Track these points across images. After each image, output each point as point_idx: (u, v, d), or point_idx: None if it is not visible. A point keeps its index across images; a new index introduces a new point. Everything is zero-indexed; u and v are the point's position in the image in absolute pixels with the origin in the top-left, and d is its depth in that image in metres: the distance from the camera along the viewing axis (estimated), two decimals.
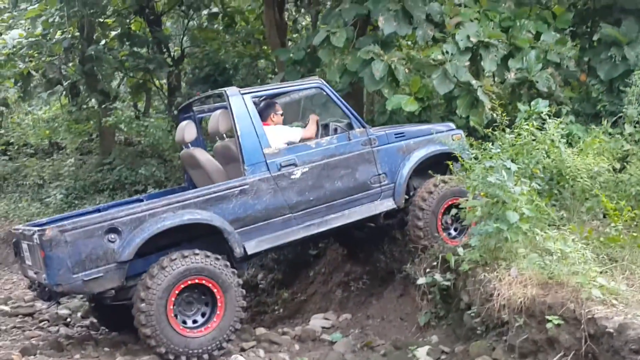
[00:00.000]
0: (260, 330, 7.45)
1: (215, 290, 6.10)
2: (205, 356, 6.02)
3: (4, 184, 14.44)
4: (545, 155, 6.08)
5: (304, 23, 15.81)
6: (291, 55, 10.52)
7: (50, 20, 13.08)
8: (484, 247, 5.67)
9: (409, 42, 10.97)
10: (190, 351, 5.93)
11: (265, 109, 7.24)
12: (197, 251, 6.06)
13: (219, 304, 6.12)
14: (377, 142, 7.19)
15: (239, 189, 6.43)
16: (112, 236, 5.86)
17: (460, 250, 5.96)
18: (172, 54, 15.63)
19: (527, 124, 6.28)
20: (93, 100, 14.34)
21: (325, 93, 7.22)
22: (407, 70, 8.90)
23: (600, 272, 4.88)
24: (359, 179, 7.05)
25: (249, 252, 6.50)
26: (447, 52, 8.63)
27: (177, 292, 5.92)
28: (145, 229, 5.95)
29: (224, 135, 6.97)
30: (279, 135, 6.95)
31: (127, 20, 14.79)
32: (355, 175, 7.03)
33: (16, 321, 7.49)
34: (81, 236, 5.76)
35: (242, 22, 15.55)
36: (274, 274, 9.36)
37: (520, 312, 4.94)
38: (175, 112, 14.58)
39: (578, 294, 4.58)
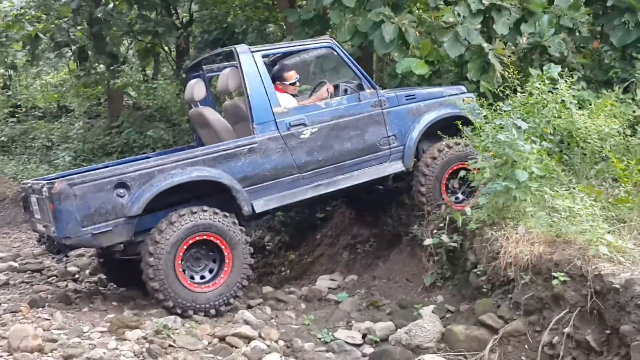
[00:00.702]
0: (267, 289, 7.51)
1: (223, 247, 6.12)
2: (212, 311, 6.07)
3: (12, 145, 14.47)
4: (556, 116, 6.03)
5: None
6: (300, 16, 10.46)
7: None
8: (492, 207, 5.66)
9: (420, 6, 10.87)
10: (198, 306, 5.98)
11: (277, 73, 7.17)
12: (205, 208, 6.07)
13: (227, 261, 6.14)
14: (387, 104, 7.14)
15: (248, 147, 6.41)
16: (121, 191, 5.88)
17: (467, 210, 5.95)
18: (180, 17, 15.54)
19: (539, 84, 6.19)
20: (101, 65, 14.29)
21: (336, 53, 7.15)
22: (417, 33, 8.80)
23: (609, 231, 4.87)
24: (368, 141, 7.01)
25: (257, 211, 6.48)
26: (458, 15, 8.54)
27: (185, 247, 5.95)
28: (154, 185, 5.97)
29: (233, 93, 6.93)
30: (285, 100, 6.90)
31: None
32: (365, 137, 7.00)
33: (25, 277, 7.58)
34: (90, 190, 5.78)
35: None
36: (281, 236, 9.39)
37: (527, 269, 4.95)
38: (184, 75, 14.57)
39: (585, 251, 4.58)
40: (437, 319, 5.64)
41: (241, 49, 6.67)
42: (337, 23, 9.17)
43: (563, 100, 6.07)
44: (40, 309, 6.01)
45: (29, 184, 6.51)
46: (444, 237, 6.54)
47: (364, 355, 5.82)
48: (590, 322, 4.47)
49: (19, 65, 17.15)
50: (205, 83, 7.40)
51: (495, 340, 5.00)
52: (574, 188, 5.49)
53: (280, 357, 5.44)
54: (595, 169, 6.04)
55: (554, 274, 4.66)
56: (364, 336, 6.11)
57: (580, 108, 7.07)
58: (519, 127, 5.35)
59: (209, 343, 5.55)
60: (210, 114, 7.11)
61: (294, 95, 7.17)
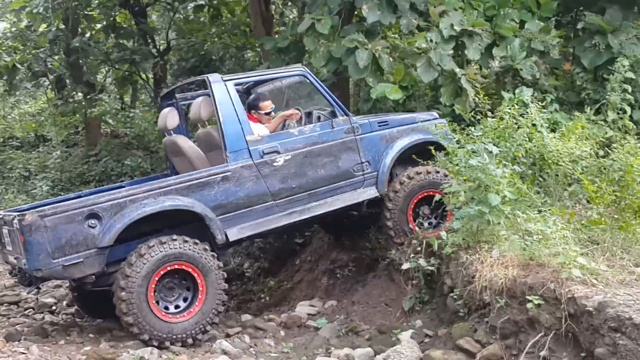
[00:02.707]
0: (246, 317, 7.48)
1: (195, 275, 6.09)
2: (190, 340, 6.02)
3: None
4: (528, 139, 6.10)
5: (291, 16, 15.81)
6: (276, 43, 10.54)
7: (35, 11, 12.98)
8: (466, 231, 5.70)
9: (394, 31, 11.00)
10: (174, 336, 5.94)
11: (252, 103, 7.25)
12: (175, 237, 6.03)
13: (200, 288, 6.12)
14: (360, 130, 7.18)
15: (221, 175, 6.41)
16: (93, 222, 5.86)
17: (443, 234, 5.98)
18: (157, 46, 15.60)
19: (510, 109, 6.28)
20: (79, 93, 14.28)
21: (308, 81, 7.19)
22: (391, 59, 8.92)
23: (582, 254, 4.91)
24: (341, 167, 7.05)
25: (231, 239, 6.47)
26: (431, 41, 8.66)
27: (157, 278, 5.91)
28: (126, 215, 5.94)
29: (206, 122, 6.93)
30: (259, 129, 6.93)
31: (113, 13, 14.74)
32: (338, 163, 7.03)
33: (1, 309, 7.47)
34: (61, 221, 5.75)
35: (228, 14, 15.53)
36: (260, 263, 9.37)
37: (502, 293, 4.96)
38: (159, 104, 14.61)
39: (558, 274, 4.61)
40: (415, 345, 5.64)
41: (213, 77, 6.71)
42: (312, 49, 9.26)
43: (534, 124, 6.13)
44: (17, 342, 5.93)
45: (1, 216, 6.44)
46: (422, 261, 6.56)
47: None
48: (565, 345, 4.49)
49: None
50: (178, 111, 7.41)
51: None
52: (548, 210, 5.54)
53: None
54: (569, 190, 6.10)
55: (528, 297, 4.68)
56: None
57: (553, 130, 7.18)
58: (491, 152, 5.41)
59: None
60: (184, 142, 7.10)
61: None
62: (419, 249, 6.80)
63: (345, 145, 7.07)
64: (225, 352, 5.98)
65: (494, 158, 5.43)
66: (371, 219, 7.78)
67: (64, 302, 7.81)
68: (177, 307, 6.14)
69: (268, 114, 7.23)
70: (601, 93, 8.53)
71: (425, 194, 7.09)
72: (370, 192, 7.16)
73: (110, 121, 14.75)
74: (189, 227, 6.33)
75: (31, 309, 7.50)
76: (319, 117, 7.29)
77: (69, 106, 14.56)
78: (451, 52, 8.72)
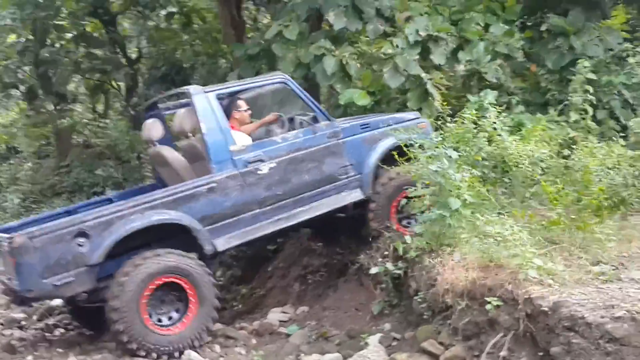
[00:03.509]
0: (217, 326, 7.44)
1: (187, 289, 6.11)
2: (176, 354, 6.01)
3: None
4: (488, 143, 6.19)
5: (264, 22, 15.84)
6: (246, 50, 10.58)
7: (2, 23, 12.89)
8: (429, 234, 5.77)
9: (363, 37, 11.09)
10: (162, 348, 5.94)
11: (228, 107, 7.24)
12: (169, 250, 6.09)
13: (192, 301, 6.14)
14: (343, 134, 7.20)
15: (207, 187, 6.43)
16: (81, 240, 5.86)
17: (408, 238, 6.04)
18: (128, 54, 15.56)
19: (469, 113, 6.37)
20: (50, 104, 14.20)
21: (289, 87, 7.21)
22: (358, 65, 9.01)
23: (540, 255, 5.00)
24: (326, 172, 7.07)
25: (219, 249, 6.51)
26: (397, 46, 8.75)
27: (149, 291, 5.93)
28: (114, 232, 5.95)
29: (190, 134, 6.96)
30: (239, 138, 6.94)
31: (82, 22, 14.67)
32: (322, 168, 7.05)
33: None
34: (50, 242, 5.76)
35: (200, 21, 15.53)
36: (233, 271, 9.39)
37: (463, 295, 5.03)
38: (132, 112, 14.57)
39: (516, 275, 4.68)
40: (381, 349, 5.69)
41: (195, 90, 6.73)
42: (281, 56, 9.32)
43: (494, 128, 6.23)
44: None
45: None
46: (389, 265, 6.60)
47: None
48: (524, 345, 4.55)
49: None
50: (162, 122, 7.39)
51: None
52: (508, 213, 5.62)
53: None
54: (530, 192, 6.18)
55: (487, 299, 4.75)
56: None
57: (518, 132, 7.28)
58: (450, 157, 5.49)
59: None
60: (169, 153, 7.13)
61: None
62: (386, 253, 6.87)
63: (329, 149, 7.09)
64: None
65: (454, 163, 5.50)
66: (360, 220, 7.74)
67: (34, 317, 7.75)
68: (170, 318, 6.16)
69: (246, 110, 7.29)
70: (565, 94, 8.67)
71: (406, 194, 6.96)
72: (355, 195, 7.19)
73: (86, 131, 14.66)
74: (177, 239, 6.34)
75: (0, 325, 7.44)
76: (301, 123, 7.31)
77: (40, 117, 14.47)
78: (417, 57, 8.83)
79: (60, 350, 6.41)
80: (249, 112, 7.43)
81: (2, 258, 6.13)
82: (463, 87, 9.29)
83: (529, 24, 10.32)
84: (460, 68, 9.22)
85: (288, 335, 7.22)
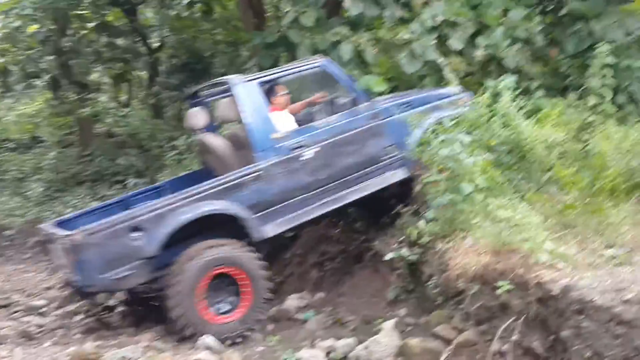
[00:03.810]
0: None
1: (241, 279, 6.33)
2: (228, 341, 6.22)
3: None
4: (502, 127, 6.13)
5: (286, 9, 15.78)
6: (264, 38, 10.58)
7: (24, 12, 13.04)
8: (442, 219, 5.75)
9: (380, 23, 11.03)
10: (217, 337, 6.12)
11: (269, 92, 7.30)
12: (224, 242, 6.32)
13: (246, 292, 6.37)
14: (384, 115, 7.18)
15: (253, 175, 6.56)
16: (136, 234, 6.08)
17: (421, 223, 6.03)
18: (149, 43, 15.65)
19: (484, 98, 6.32)
20: (73, 94, 14.36)
21: (329, 71, 7.25)
22: (375, 51, 8.97)
23: (554, 239, 4.96)
24: (369, 153, 7.07)
25: (268, 235, 6.67)
26: (414, 32, 8.70)
27: (205, 281, 6.15)
28: (167, 225, 6.15)
29: (232, 122, 7.19)
30: (284, 120, 7.05)
31: (103, 12, 14.79)
32: (365, 150, 7.06)
33: None
34: (107, 237, 5.99)
35: (220, 9, 15.56)
36: None
37: (475, 280, 5.03)
38: (152, 101, 14.68)
39: (527, 259, 4.66)
40: (395, 334, 5.67)
41: (236, 79, 6.84)
42: (297, 42, 9.31)
43: (508, 112, 6.17)
44: (1, 345, 6.01)
45: (49, 232, 6.66)
46: (404, 251, 6.60)
47: None
48: (535, 329, 4.54)
49: None
50: (206, 109, 7.52)
51: (449, 352, 5.05)
52: (522, 197, 5.59)
53: None
54: (546, 176, 6.12)
55: (498, 283, 4.73)
56: (328, 354, 6.14)
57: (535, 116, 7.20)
58: (462, 141, 5.46)
59: None
60: (214, 140, 7.28)
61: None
62: (401, 239, 6.87)
63: (371, 131, 7.08)
64: (209, 348, 6.03)
65: (466, 147, 5.47)
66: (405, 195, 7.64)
67: (54, 304, 7.88)
68: (225, 307, 6.37)
69: (285, 95, 7.32)
70: (585, 79, 8.53)
71: None
72: (400, 174, 7.16)
73: (105, 120, 14.80)
74: (229, 226, 6.53)
75: (21, 312, 7.56)
76: (342, 106, 7.30)
77: (63, 107, 14.63)
78: (434, 42, 8.76)
79: (78, 336, 6.51)
80: (289, 96, 7.47)
81: (61, 254, 6.32)
82: (481, 72, 9.17)
83: (549, 8, 10.17)
84: (479, 53, 9.10)
85: (305, 321, 7.26)
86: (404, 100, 7.45)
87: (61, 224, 6.90)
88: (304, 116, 7.54)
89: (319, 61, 7.29)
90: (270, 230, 6.64)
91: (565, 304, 4.15)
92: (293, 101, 7.58)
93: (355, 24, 9.40)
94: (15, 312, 7.59)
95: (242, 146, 6.92)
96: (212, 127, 7.63)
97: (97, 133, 15.14)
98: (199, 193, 6.36)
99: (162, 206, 6.23)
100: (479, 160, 5.49)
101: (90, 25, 14.88)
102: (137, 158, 12.71)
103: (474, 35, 8.96)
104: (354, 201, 7.11)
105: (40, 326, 6.75)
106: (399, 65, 8.71)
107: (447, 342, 5.17)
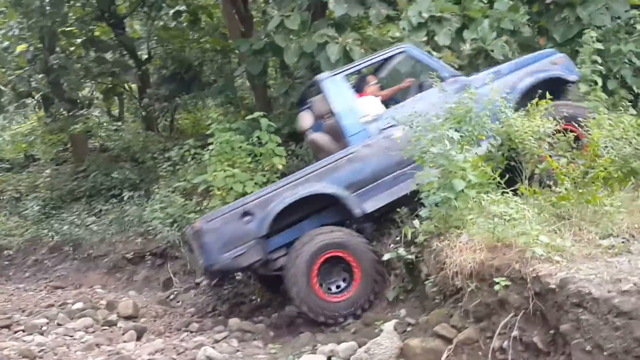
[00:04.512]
0: (234, 321, 7.51)
1: (351, 262, 6.85)
2: (341, 319, 6.79)
3: None
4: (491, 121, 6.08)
5: (273, 14, 15.73)
6: (251, 45, 10.56)
7: (10, 33, 13.01)
8: (437, 217, 5.71)
9: (367, 23, 10.98)
10: (330, 314, 6.79)
11: (359, 85, 7.92)
12: (335, 228, 6.97)
13: (356, 274, 6.85)
14: (472, 87, 6.96)
15: (347, 157, 7.15)
16: (247, 218, 6.96)
17: (416, 222, 5.98)
18: (139, 55, 15.61)
19: (471, 92, 6.27)
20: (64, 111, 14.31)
21: (413, 55, 7.61)
22: (363, 50, 8.93)
23: (549, 231, 4.92)
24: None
25: (368, 211, 7.11)
26: (403, 29, 8.66)
27: (319, 263, 6.78)
28: (273, 208, 6.95)
29: (327, 115, 7.67)
30: (371, 104, 7.49)
31: (90, 27, 14.77)
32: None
33: None
34: (222, 223, 6.94)
35: (207, 18, 15.52)
36: None
37: (472, 277, 4.97)
38: (143, 113, 14.64)
39: (523, 253, 4.61)
40: (395, 335, 5.63)
41: (322, 76, 7.56)
42: (284, 46, 9.27)
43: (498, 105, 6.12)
44: None
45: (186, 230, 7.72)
46: (401, 251, 6.57)
47: None
48: (535, 324, 4.48)
49: None
50: (311, 111, 8.05)
51: (449, 351, 5.01)
52: (514, 190, 5.54)
53: None
54: (539, 168, 6.06)
55: (495, 279, 4.69)
56: (329, 358, 6.10)
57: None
58: (452, 138, 5.41)
59: None
60: (320, 138, 7.91)
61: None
62: (397, 238, 6.84)
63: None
64: (209, 359, 6.01)
65: (456, 143, 5.43)
66: None
67: (56, 322, 7.83)
68: (337, 287, 6.98)
69: (375, 84, 7.86)
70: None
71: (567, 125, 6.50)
72: (494, 143, 6.74)
73: (102, 134, 14.74)
74: (335, 208, 7.21)
75: (21, 331, 7.51)
76: (429, 85, 7.35)
77: (56, 124, 14.58)
78: (425, 38, 8.72)
79: (79, 352, 6.47)
80: (379, 84, 7.96)
81: (193, 243, 7.25)
82: (470, 66, 9.13)
83: None
84: (466, 47, 9.05)
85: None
86: (494, 69, 7.52)
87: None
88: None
89: (402, 47, 7.69)
90: (369, 206, 7.10)
91: (564, 298, 4.10)
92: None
93: (341, 25, 9.37)
94: (16, 331, 7.52)
95: (339, 135, 7.47)
96: (318, 125, 8.06)
97: (91, 148, 15.09)
98: (299, 178, 7.10)
99: (267, 193, 7.05)
100: (470, 156, 5.44)
101: (78, 41, 14.84)
102: (132, 171, 12.66)
103: (460, 30, 8.92)
104: None
105: (41, 344, 6.69)
106: None
107: (448, 341, 5.10)
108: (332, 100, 7.37)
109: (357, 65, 7.77)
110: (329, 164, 7.14)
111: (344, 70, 7.62)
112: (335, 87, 7.40)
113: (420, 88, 7.65)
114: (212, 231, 6.90)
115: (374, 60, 7.85)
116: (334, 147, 7.63)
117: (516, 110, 6.63)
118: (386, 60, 8.07)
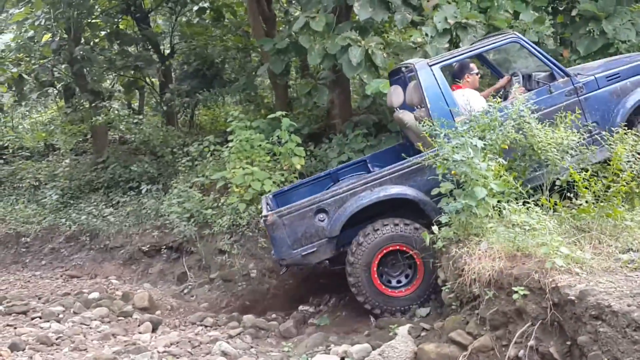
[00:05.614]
0: (249, 317, 7.58)
1: (414, 256, 6.66)
2: (399, 314, 6.70)
3: (0, 187, 14.50)
4: (515, 131, 6.10)
5: (296, 14, 15.81)
6: (275, 45, 10.62)
7: (37, 22, 13.14)
8: (457, 224, 5.74)
9: (391, 27, 11.02)
10: (392, 308, 6.72)
11: (459, 71, 7.47)
12: (396, 221, 6.69)
13: (418, 269, 6.70)
14: (585, 90, 6.81)
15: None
16: (321, 216, 6.82)
17: (435, 228, 6.02)
18: (162, 50, 15.74)
19: (496, 101, 6.29)
20: (85, 102, 14.43)
21: (521, 45, 7.10)
22: (385, 55, 8.97)
23: (569, 243, 4.95)
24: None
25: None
26: (426, 35, 8.69)
27: (379, 256, 6.68)
28: (347, 208, 6.74)
29: (419, 105, 7.24)
30: (469, 99, 7.01)
31: (115, 20, 14.90)
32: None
33: (9, 319, 7.57)
34: (296, 218, 6.80)
35: (230, 15, 15.61)
36: (265, 262, 9.44)
37: (490, 285, 5.01)
38: (164, 107, 14.75)
39: (543, 264, 4.64)
40: (410, 339, 5.67)
41: (419, 64, 6.99)
42: (308, 47, 9.33)
43: (521, 115, 6.14)
44: (21, 352, 6.06)
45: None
46: None
47: None
48: (552, 334, 4.52)
49: (6, 107, 17.28)
50: (403, 88, 7.64)
51: (464, 357, 5.04)
52: (536, 201, 5.56)
53: None
54: (561, 179, 6.08)
55: (514, 288, 4.72)
56: (342, 359, 6.15)
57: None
58: (475, 146, 5.44)
59: None
60: (408, 117, 7.51)
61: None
62: None
63: (568, 108, 6.54)
64: (225, 354, 6.08)
65: (479, 152, 5.46)
66: None
67: (72, 310, 7.92)
68: (398, 282, 6.86)
69: (476, 74, 7.45)
70: None
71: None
72: (600, 156, 6.40)
73: (122, 127, 14.86)
74: (409, 208, 6.82)
75: (38, 318, 7.61)
76: (537, 82, 7.13)
77: (77, 114, 14.70)
78: (447, 45, 8.75)
79: (95, 342, 6.55)
80: (480, 74, 7.61)
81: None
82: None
83: (561, 8, 10.14)
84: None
85: (319, 326, 7.29)
86: (612, 72, 6.95)
87: (277, 196, 8.12)
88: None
89: (511, 35, 7.07)
90: None
91: (582, 309, 4.13)
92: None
93: (365, 28, 9.41)
94: (33, 318, 7.62)
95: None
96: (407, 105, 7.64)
97: (111, 140, 15.19)
98: (378, 179, 6.77)
99: (344, 191, 6.80)
100: (492, 165, 5.47)
101: (103, 33, 14.97)
102: (150, 164, 12.71)
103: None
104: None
105: (59, 332, 6.77)
106: None
107: (463, 347, 5.14)
108: (426, 92, 6.81)
109: (459, 54, 7.11)
110: (411, 166, 6.71)
111: (443, 60, 7.00)
112: (431, 79, 6.82)
113: (529, 81, 7.28)
114: (285, 226, 6.79)
115: (480, 50, 7.20)
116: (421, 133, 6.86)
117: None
118: (494, 48, 7.43)
